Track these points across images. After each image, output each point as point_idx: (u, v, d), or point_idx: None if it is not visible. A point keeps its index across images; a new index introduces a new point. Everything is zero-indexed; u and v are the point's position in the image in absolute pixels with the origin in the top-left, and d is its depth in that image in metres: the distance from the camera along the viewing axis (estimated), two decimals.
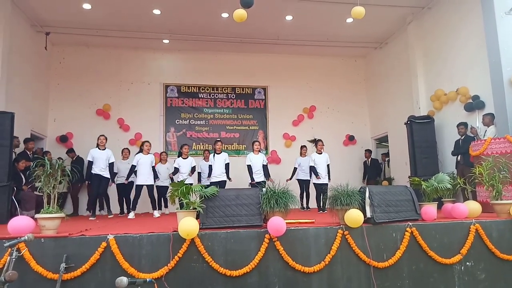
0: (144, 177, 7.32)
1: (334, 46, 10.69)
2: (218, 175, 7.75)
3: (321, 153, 8.06)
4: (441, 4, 8.50)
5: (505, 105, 6.52)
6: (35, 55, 9.33)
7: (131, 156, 8.67)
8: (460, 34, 7.94)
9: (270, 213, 4.02)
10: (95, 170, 7.22)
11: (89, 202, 9.47)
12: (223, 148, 8.80)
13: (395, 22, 9.65)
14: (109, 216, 7.39)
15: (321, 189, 7.70)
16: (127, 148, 9.18)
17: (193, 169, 7.98)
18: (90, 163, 7.28)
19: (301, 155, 9.13)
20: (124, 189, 8.54)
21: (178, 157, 8.00)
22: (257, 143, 8.09)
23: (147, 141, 7.67)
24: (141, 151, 7.53)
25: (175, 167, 7.83)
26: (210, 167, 7.98)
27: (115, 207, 8.67)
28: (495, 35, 6.78)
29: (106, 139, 7.49)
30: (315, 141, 8.34)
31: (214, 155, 7.91)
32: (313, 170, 7.92)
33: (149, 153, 7.53)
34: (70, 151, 9.55)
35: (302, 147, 9.24)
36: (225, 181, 7.85)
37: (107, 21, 9.17)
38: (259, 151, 8.02)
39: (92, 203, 7.58)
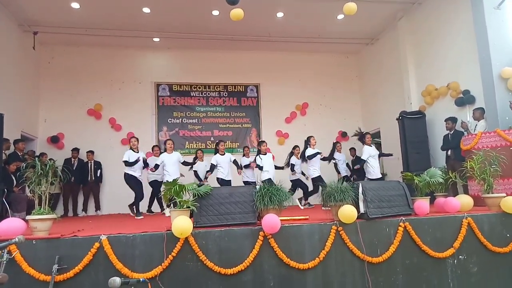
0: (172, 176, 7.25)
1: (325, 42, 10.69)
2: (273, 174, 7.84)
3: (371, 146, 7.86)
4: (430, 0, 8.54)
5: (495, 100, 6.59)
6: (23, 55, 9.20)
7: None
8: (450, 29, 8.00)
9: (264, 211, 4.01)
10: (133, 172, 7.20)
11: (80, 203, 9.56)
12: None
13: (386, 18, 9.68)
14: (137, 218, 6.97)
15: None
16: (157, 145, 9.21)
17: (234, 162, 8.09)
18: (127, 163, 7.21)
19: (337, 151, 9.11)
20: (157, 186, 8.45)
21: (215, 154, 8.04)
22: (313, 137, 8.17)
23: (170, 139, 7.73)
24: (165, 150, 7.63)
25: (212, 164, 7.88)
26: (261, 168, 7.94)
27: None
28: (484, 30, 6.84)
29: (137, 140, 7.48)
30: (362, 134, 8.09)
31: (259, 156, 7.94)
32: (365, 164, 7.70)
33: (173, 151, 7.59)
34: (75, 150, 9.58)
35: (335, 143, 9.25)
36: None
37: (96, 20, 9.06)
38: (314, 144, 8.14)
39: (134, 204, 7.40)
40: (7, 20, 8.44)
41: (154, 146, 9.25)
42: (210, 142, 10.71)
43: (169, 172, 7.39)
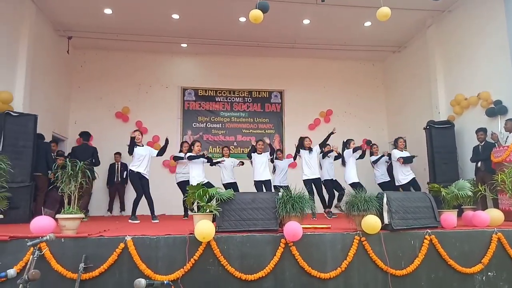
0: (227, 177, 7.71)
1: (351, 50, 10.60)
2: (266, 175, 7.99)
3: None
4: (462, 7, 8.33)
5: None
6: (58, 58, 9.58)
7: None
8: (481, 37, 7.77)
9: (286, 218, 4.00)
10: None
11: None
12: (238, 152, 8.89)
13: (414, 26, 9.51)
14: (153, 221, 6.57)
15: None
16: (226, 147, 8.76)
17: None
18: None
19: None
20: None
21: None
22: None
23: (226, 147, 8.24)
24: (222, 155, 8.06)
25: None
26: None
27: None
28: None
29: (141, 134, 7.28)
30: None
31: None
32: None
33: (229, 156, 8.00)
34: (117, 153, 9.82)
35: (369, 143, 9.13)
36: None
37: (127, 25, 9.34)
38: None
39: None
40: (44, 25, 8.81)
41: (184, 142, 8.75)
42: (233, 147, 10.79)
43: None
